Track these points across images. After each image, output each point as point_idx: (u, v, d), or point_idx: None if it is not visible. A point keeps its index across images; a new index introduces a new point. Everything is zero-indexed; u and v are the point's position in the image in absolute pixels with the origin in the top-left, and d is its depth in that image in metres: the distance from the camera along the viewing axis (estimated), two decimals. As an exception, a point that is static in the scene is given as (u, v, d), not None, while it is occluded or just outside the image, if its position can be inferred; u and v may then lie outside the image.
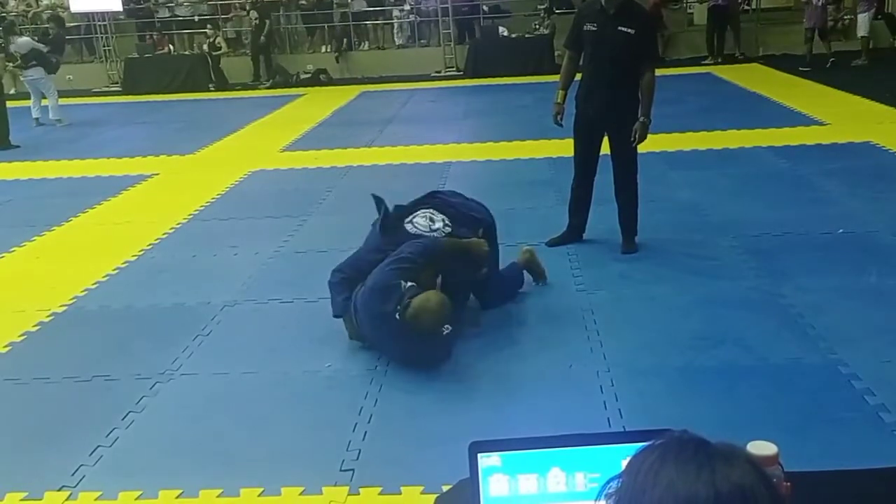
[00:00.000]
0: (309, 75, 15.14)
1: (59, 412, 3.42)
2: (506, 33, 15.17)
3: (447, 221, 3.95)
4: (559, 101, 4.90)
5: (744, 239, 5.02)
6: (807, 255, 4.72)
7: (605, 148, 4.89)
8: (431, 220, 3.93)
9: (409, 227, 3.89)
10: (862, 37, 12.87)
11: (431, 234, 3.85)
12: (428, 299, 3.40)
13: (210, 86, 14.92)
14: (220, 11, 16.87)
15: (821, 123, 8.43)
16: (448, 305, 3.44)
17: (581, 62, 4.81)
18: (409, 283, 3.50)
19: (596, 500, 0.88)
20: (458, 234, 3.92)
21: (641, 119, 4.65)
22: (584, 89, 4.80)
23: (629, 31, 4.54)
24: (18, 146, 9.70)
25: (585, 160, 4.90)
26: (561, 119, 4.92)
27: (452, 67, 15.49)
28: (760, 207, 5.66)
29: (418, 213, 3.97)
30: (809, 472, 1.44)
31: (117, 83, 15.84)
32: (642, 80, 4.62)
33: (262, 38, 15.28)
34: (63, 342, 4.15)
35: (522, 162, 7.51)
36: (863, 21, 12.81)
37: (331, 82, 14.95)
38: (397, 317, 3.40)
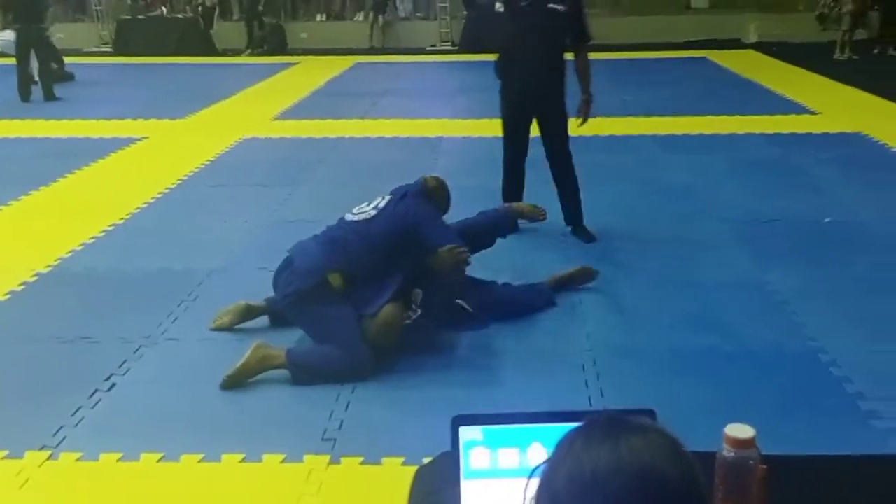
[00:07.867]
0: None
1: (41, 372, 3.41)
2: (502, 9, 14.99)
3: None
4: None
5: (733, 224, 5.04)
6: (794, 242, 4.74)
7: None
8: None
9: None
10: None
11: None
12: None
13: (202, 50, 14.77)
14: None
15: (812, 112, 8.44)
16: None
17: (504, 40, 4.66)
18: None
19: (528, 478, 0.90)
20: None
21: (584, 97, 4.59)
22: (510, 69, 4.59)
23: (559, 7, 4.43)
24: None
25: (520, 140, 4.75)
26: None
27: (448, 42, 15.37)
28: (750, 193, 5.68)
29: None
30: (785, 455, 1.46)
31: (108, 44, 15.64)
32: (577, 58, 4.56)
33: (260, 7, 15.12)
34: (47, 303, 4.13)
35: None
36: None
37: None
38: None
